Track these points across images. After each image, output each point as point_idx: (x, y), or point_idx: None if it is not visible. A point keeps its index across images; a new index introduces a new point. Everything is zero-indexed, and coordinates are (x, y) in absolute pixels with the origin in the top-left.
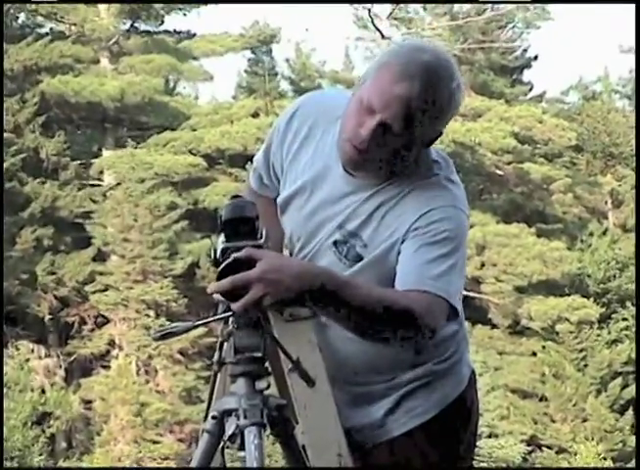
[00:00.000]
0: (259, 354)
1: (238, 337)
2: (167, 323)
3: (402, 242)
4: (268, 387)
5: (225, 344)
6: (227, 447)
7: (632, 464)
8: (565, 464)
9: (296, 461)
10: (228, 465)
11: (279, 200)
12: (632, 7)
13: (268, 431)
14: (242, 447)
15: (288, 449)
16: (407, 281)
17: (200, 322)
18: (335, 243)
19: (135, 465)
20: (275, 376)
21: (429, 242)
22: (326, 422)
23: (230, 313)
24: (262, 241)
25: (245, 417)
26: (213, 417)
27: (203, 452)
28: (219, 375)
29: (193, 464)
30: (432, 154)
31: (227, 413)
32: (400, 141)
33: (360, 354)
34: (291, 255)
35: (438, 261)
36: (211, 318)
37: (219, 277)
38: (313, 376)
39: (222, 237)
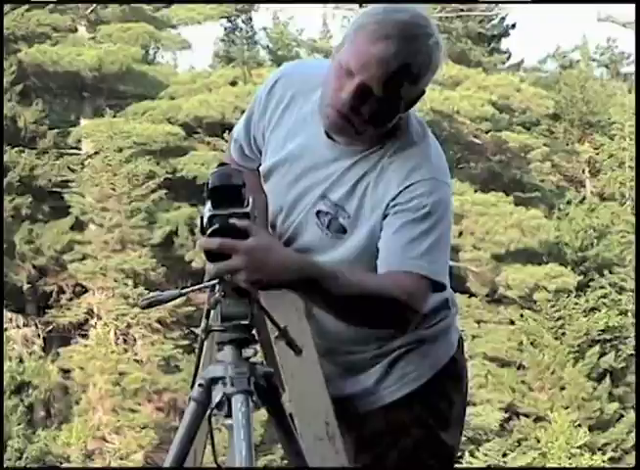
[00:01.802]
0: (246, 322)
1: (225, 305)
2: (146, 292)
3: (384, 217)
4: (255, 355)
5: (212, 311)
6: (214, 415)
7: (611, 434)
8: (542, 432)
9: (283, 429)
10: (214, 433)
11: (262, 169)
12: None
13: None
14: (229, 415)
15: (275, 417)
16: (390, 262)
17: (187, 290)
18: (317, 213)
19: (115, 434)
20: (262, 344)
21: (410, 219)
22: (313, 390)
23: (217, 281)
24: (249, 209)
25: (232, 385)
26: (200, 385)
27: (190, 420)
28: (206, 343)
29: (180, 432)
30: (412, 119)
31: (214, 381)
32: (381, 103)
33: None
34: (273, 228)
35: (420, 239)
36: (198, 286)
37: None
38: (300, 344)
39: (209, 205)
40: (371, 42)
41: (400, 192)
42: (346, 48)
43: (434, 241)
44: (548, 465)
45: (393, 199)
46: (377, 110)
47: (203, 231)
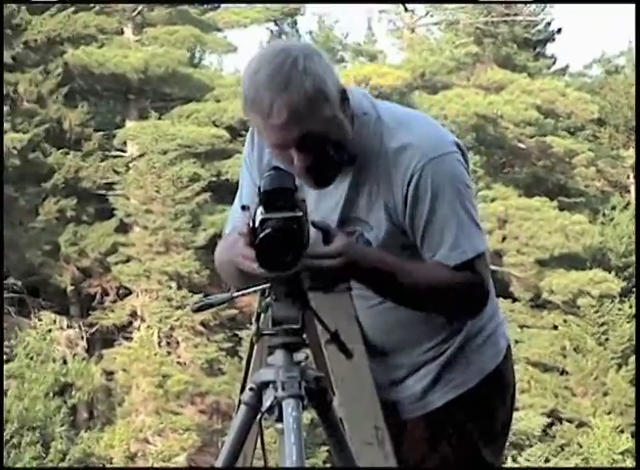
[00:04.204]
0: (297, 326)
1: (276, 308)
2: (190, 295)
3: (404, 217)
4: (306, 359)
5: (262, 315)
6: (265, 419)
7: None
8: (584, 438)
9: (333, 433)
10: (266, 437)
11: None
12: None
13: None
14: (279, 419)
15: (326, 421)
16: (437, 262)
17: (238, 293)
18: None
19: (157, 436)
20: (312, 348)
21: (430, 210)
22: (363, 395)
23: (268, 285)
24: (301, 213)
25: (283, 389)
26: (251, 389)
27: (240, 424)
28: (256, 347)
29: (230, 435)
30: (356, 109)
31: (265, 385)
32: (321, 144)
33: (395, 327)
34: None
35: (448, 226)
36: (250, 289)
37: (258, 247)
38: (351, 348)
39: (261, 208)
40: (262, 117)
41: (408, 185)
42: (257, 131)
43: (461, 218)
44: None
45: (406, 196)
46: (325, 150)
47: (254, 234)
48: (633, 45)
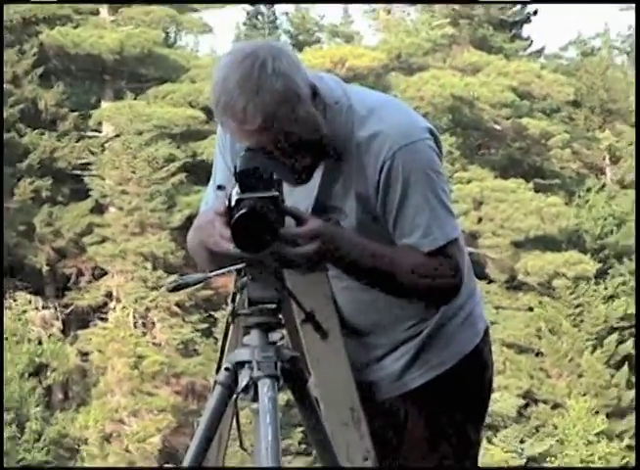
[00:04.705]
0: (273, 306)
1: (252, 288)
2: (165, 275)
3: (377, 205)
4: (282, 339)
5: (238, 295)
6: (240, 400)
7: (628, 421)
8: (559, 419)
9: (309, 414)
10: (241, 418)
11: None
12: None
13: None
14: (255, 399)
15: (301, 402)
16: (409, 248)
17: (213, 273)
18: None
19: (132, 417)
20: (288, 328)
21: (402, 197)
22: (339, 376)
23: (244, 265)
24: (277, 193)
25: (258, 369)
26: (226, 369)
27: (215, 404)
28: (232, 327)
29: (205, 415)
30: (328, 98)
31: (240, 365)
32: (297, 135)
33: (372, 307)
34: None
35: (420, 212)
36: (225, 269)
37: (234, 227)
38: (326, 329)
39: (236, 188)
40: (236, 122)
41: (380, 171)
42: (231, 134)
43: (432, 205)
44: (565, 452)
45: (378, 182)
46: (301, 148)
47: (230, 214)
48: (609, 27)
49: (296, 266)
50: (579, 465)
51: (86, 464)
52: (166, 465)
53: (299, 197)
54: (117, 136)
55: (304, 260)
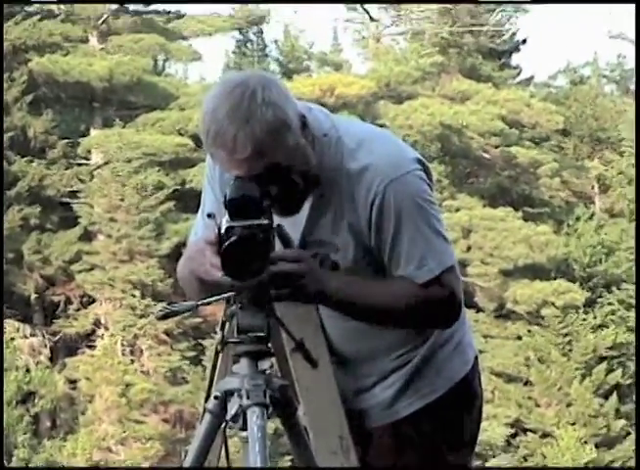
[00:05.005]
0: (263, 334)
1: (241, 316)
2: (153, 304)
3: (370, 239)
4: (271, 367)
5: (228, 323)
6: (229, 428)
7: (617, 451)
8: (548, 448)
9: (298, 442)
10: (230, 447)
11: None
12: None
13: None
14: (244, 428)
15: (290, 430)
16: (406, 280)
17: (203, 301)
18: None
19: (120, 445)
20: (277, 357)
21: (395, 231)
22: (328, 404)
23: (233, 293)
24: (267, 221)
25: (247, 397)
26: (216, 397)
27: (204, 432)
28: (221, 355)
29: (194, 444)
30: (316, 130)
31: (230, 393)
32: (286, 165)
33: (361, 336)
34: None
35: (415, 243)
36: (215, 298)
37: (223, 255)
38: (316, 357)
39: (226, 216)
40: (226, 152)
41: (371, 207)
42: (220, 165)
43: (426, 235)
44: None
45: (370, 218)
46: (291, 179)
47: (220, 243)
48: (599, 56)
49: (284, 289)
50: None
51: None
52: None
53: (287, 230)
54: (106, 164)
55: (284, 281)
